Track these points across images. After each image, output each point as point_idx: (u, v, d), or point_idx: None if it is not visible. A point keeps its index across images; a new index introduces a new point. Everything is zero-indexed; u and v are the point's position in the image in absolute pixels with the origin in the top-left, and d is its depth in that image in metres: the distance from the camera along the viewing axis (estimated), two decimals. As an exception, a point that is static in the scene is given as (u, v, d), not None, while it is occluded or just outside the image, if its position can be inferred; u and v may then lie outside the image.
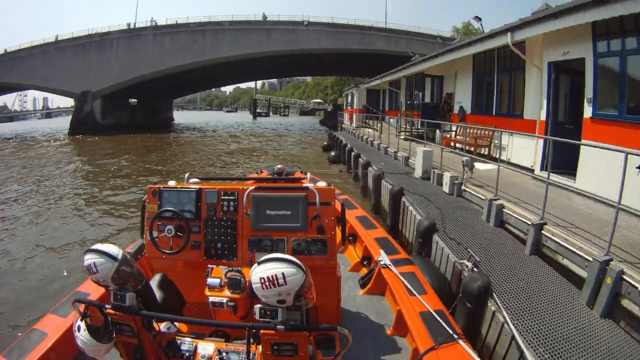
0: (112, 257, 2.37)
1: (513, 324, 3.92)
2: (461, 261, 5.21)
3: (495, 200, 6.78)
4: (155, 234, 3.46)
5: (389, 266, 4.50)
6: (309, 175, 4.18)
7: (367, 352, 3.61)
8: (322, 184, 3.55)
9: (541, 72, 9.37)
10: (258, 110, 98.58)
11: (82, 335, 2.37)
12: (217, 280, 2.83)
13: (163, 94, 55.76)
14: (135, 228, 9.87)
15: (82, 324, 2.38)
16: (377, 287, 4.64)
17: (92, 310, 2.46)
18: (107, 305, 2.48)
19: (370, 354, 3.59)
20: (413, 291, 3.95)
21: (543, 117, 9.18)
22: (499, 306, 4.24)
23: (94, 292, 3.80)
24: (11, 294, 6.66)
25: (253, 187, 3.44)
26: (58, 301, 3.95)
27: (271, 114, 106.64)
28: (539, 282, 4.83)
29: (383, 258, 4.66)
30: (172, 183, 3.73)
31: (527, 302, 4.38)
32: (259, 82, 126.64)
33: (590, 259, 4.47)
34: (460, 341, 3.21)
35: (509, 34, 9.75)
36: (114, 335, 2.51)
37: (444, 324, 3.40)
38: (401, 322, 3.77)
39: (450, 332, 3.30)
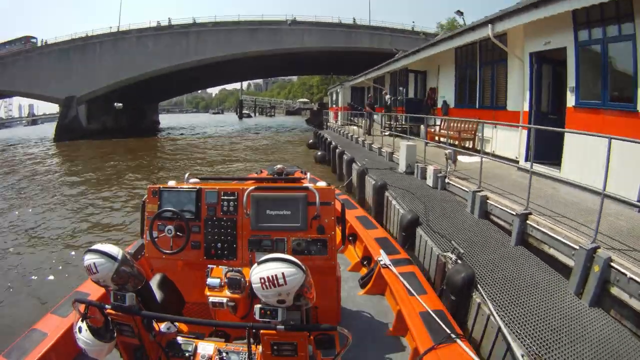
0: (112, 257, 2.38)
1: (499, 316, 3.85)
2: (445, 254, 5.14)
3: (479, 191, 6.74)
4: (155, 234, 3.47)
5: (389, 266, 4.51)
6: (308, 175, 4.24)
7: (367, 352, 3.62)
8: (322, 184, 3.59)
9: (523, 63, 9.38)
10: (244, 111, 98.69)
11: (84, 336, 2.38)
12: (217, 280, 2.85)
13: (148, 97, 55.47)
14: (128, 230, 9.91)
15: (84, 325, 2.39)
16: (377, 287, 4.66)
17: (92, 311, 2.48)
18: (107, 306, 2.49)
19: (370, 354, 3.60)
20: (413, 291, 3.95)
21: (526, 108, 9.20)
22: (484, 298, 4.15)
23: (94, 292, 3.82)
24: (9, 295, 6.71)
25: (253, 187, 3.47)
26: (57, 301, 3.98)
27: (257, 114, 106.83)
28: (525, 272, 4.76)
29: (383, 258, 4.66)
30: (172, 183, 3.78)
31: (513, 293, 4.31)
32: (245, 83, 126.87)
33: (577, 247, 4.42)
34: (460, 341, 3.21)
35: (489, 25, 9.77)
36: (115, 334, 2.51)
37: (443, 324, 3.40)
38: (401, 322, 3.78)
39: (450, 332, 3.30)
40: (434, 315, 3.50)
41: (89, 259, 2.34)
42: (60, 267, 7.71)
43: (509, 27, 9.15)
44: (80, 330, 2.38)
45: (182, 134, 46.14)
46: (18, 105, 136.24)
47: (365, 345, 3.70)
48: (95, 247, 2.40)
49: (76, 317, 2.43)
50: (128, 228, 10.32)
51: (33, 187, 16.43)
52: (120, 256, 2.41)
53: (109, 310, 2.46)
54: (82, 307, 2.44)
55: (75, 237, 9.67)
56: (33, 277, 7.31)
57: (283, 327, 2.18)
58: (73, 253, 8.43)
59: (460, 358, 3.05)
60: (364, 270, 5.13)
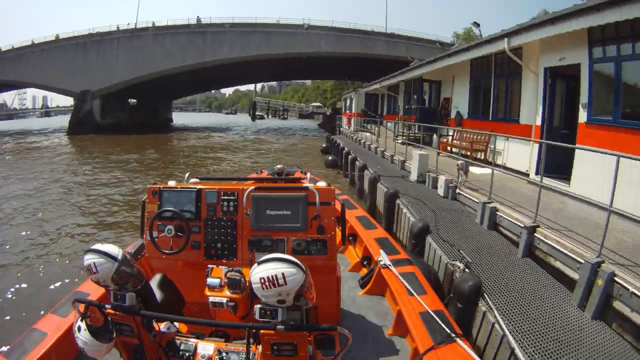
0: (112, 257, 2.39)
1: (504, 324, 3.92)
2: (453, 262, 5.22)
3: (489, 203, 6.79)
4: (155, 234, 3.47)
5: (389, 266, 4.50)
6: (309, 175, 4.20)
7: (367, 352, 3.62)
8: (322, 184, 3.57)
9: (537, 78, 9.38)
10: (257, 113, 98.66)
11: (83, 336, 2.38)
12: (217, 280, 2.86)
13: (163, 95, 55.79)
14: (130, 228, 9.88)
15: (83, 325, 2.39)
16: (377, 287, 4.65)
17: (92, 311, 2.48)
18: (107, 305, 2.50)
19: (370, 354, 3.59)
20: (413, 291, 3.95)
21: (539, 122, 9.20)
22: (490, 306, 4.24)
23: (94, 292, 3.79)
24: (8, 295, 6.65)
25: (253, 187, 3.46)
26: (57, 301, 3.95)
27: (270, 116, 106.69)
28: (531, 283, 4.83)
29: (383, 258, 4.66)
30: (172, 183, 3.75)
31: (518, 303, 4.38)
32: (259, 85, 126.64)
33: (582, 261, 4.47)
34: (460, 341, 3.22)
35: (505, 39, 9.77)
36: (115, 334, 2.52)
37: (443, 324, 3.40)
38: (401, 322, 3.77)
39: (450, 332, 3.31)
40: (434, 315, 3.51)
41: (89, 258, 2.36)
42: (59, 271, 7.58)
43: (525, 41, 9.15)
44: (79, 329, 2.39)
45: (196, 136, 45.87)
46: (32, 96, 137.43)
47: (365, 345, 3.70)
48: (95, 247, 2.41)
49: (76, 317, 2.44)
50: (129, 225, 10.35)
51: (43, 179, 16.64)
52: (120, 256, 2.43)
53: (109, 310, 2.48)
54: (82, 307, 2.44)
55: (76, 236, 9.65)
56: (31, 277, 7.26)
57: (283, 327, 2.21)
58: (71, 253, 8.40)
59: (460, 358, 3.06)
60: (364, 271, 5.13)
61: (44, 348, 3.17)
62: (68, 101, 62.43)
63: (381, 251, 4.82)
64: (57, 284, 6.92)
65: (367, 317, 4.25)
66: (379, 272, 4.56)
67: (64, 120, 52.95)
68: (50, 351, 3.18)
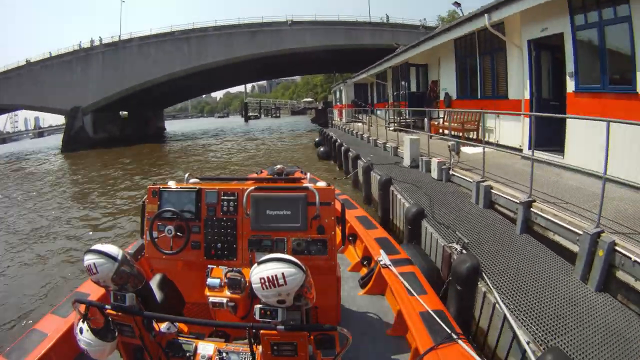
0: (112, 258, 2.38)
1: (504, 304, 3.87)
2: (450, 245, 5.16)
3: (483, 181, 6.75)
4: (155, 234, 3.47)
5: (389, 266, 4.47)
6: (308, 175, 4.21)
7: (367, 352, 3.60)
8: (322, 184, 3.56)
9: (522, 51, 9.32)
10: (249, 114, 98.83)
11: (86, 337, 2.36)
12: (217, 281, 2.88)
13: (153, 104, 55.65)
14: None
15: (85, 326, 2.38)
16: (377, 287, 4.63)
17: (92, 311, 2.47)
18: (107, 306, 2.49)
19: (370, 354, 3.58)
20: (413, 291, 3.92)
21: (527, 96, 9.14)
22: (489, 287, 4.18)
23: (94, 292, 3.81)
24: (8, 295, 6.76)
25: (253, 187, 3.46)
26: (57, 302, 4.00)
27: (262, 116, 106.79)
28: (531, 260, 4.78)
29: (383, 258, 4.63)
30: (172, 183, 3.76)
31: (518, 281, 4.33)
32: (249, 86, 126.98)
33: (581, 233, 4.41)
34: (461, 341, 3.20)
35: (486, 15, 9.70)
36: (117, 333, 2.51)
37: (443, 324, 3.38)
38: (401, 322, 3.75)
39: (450, 332, 3.28)
40: (434, 315, 3.49)
41: (89, 259, 2.35)
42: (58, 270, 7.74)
43: (506, 15, 9.08)
44: (81, 331, 2.38)
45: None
46: (24, 118, 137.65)
47: (365, 345, 3.68)
48: (95, 247, 2.41)
49: (76, 317, 2.43)
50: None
51: (38, 197, 16.70)
52: (120, 256, 2.42)
53: (109, 311, 2.47)
54: (82, 308, 2.44)
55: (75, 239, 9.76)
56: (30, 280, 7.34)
57: (283, 327, 2.20)
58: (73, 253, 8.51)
59: (461, 358, 3.04)
60: (364, 270, 5.10)
61: (44, 348, 3.18)
62: (60, 119, 62.43)
63: (381, 251, 4.80)
64: (57, 284, 7.02)
65: (367, 317, 4.24)
66: (379, 272, 4.54)
67: (57, 139, 53.00)
68: (50, 352, 3.20)
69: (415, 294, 3.87)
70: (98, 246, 2.41)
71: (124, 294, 2.45)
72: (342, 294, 4.16)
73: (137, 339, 2.53)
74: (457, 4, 25.48)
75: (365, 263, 5.26)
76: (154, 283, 3.18)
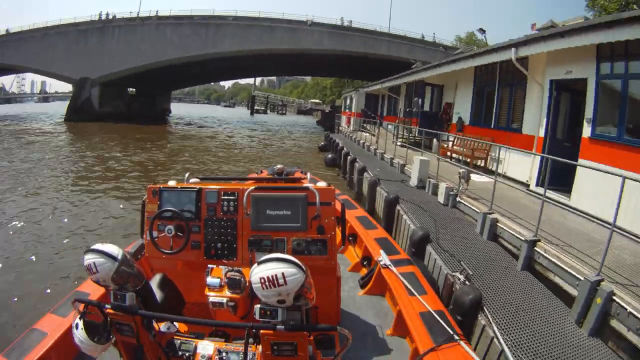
0: (112, 257, 2.38)
1: (503, 339, 3.93)
2: (453, 273, 5.21)
3: (490, 214, 6.79)
4: (155, 233, 3.47)
5: (389, 266, 4.51)
6: (309, 175, 4.21)
7: (367, 352, 3.63)
8: (322, 184, 3.57)
9: (542, 89, 9.41)
10: (256, 107, 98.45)
11: (79, 334, 2.38)
12: (217, 280, 2.86)
13: (162, 85, 55.37)
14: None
15: (80, 323, 2.39)
16: (377, 288, 4.66)
17: (92, 310, 2.47)
18: (107, 305, 2.48)
19: (370, 354, 3.60)
20: (413, 291, 3.96)
21: (542, 133, 9.22)
22: (489, 320, 4.25)
23: (94, 292, 3.80)
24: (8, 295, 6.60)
25: (253, 187, 3.46)
26: (57, 301, 3.95)
27: (269, 111, 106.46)
28: (530, 298, 4.84)
29: (383, 258, 4.67)
30: (172, 183, 3.75)
31: (517, 317, 4.39)
32: (258, 79, 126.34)
33: (582, 278, 4.49)
34: (461, 342, 3.23)
35: (513, 49, 9.76)
36: (112, 335, 2.51)
37: (444, 324, 3.42)
38: (401, 322, 3.78)
39: (451, 332, 3.32)
40: (434, 315, 3.52)
41: (89, 258, 2.34)
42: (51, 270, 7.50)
43: (532, 52, 9.17)
44: (77, 327, 2.40)
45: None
46: (31, 81, 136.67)
47: (365, 345, 3.70)
48: (95, 246, 2.40)
49: (76, 316, 2.44)
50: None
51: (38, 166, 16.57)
52: (120, 256, 2.42)
53: (108, 310, 2.46)
54: (82, 307, 2.43)
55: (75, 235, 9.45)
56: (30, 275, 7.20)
57: (283, 327, 2.20)
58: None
59: (461, 359, 3.07)
60: (364, 271, 5.13)
61: (44, 348, 3.17)
62: (67, 87, 62.04)
63: (381, 251, 4.84)
64: (57, 284, 6.86)
65: (367, 317, 4.26)
66: (379, 272, 4.58)
67: (61, 106, 52.53)
68: (50, 351, 3.19)
69: (415, 294, 3.93)
70: (98, 245, 2.41)
71: (124, 294, 2.45)
72: (342, 294, 4.15)
73: (137, 339, 2.53)
74: (482, 31, 25.65)
75: (365, 263, 5.30)
76: (154, 283, 3.18)
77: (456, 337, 3.27)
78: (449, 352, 3.13)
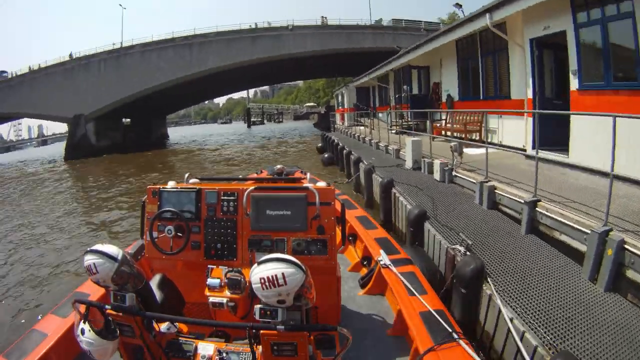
0: (112, 258, 2.39)
1: (511, 307, 3.78)
2: (453, 246, 5.05)
3: (487, 182, 6.66)
4: (155, 234, 3.48)
5: (389, 266, 4.47)
6: (308, 175, 4.24)
7: (367, 352, 3.59)
8: (322, 184, 3.56)
9: (524, 50, 9.25)
10: (252, 119, 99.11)
11: (88, 337, 2.36)
12: (217, 281, 2.93)
13: (155, 110, 55.74)
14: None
15: (86, 326, 2.38)
16: (377, 287, 4.62)
17: (92, 312, 2.47)
18: (107, 306, 2.50)
19: (370, 354, 3.56)
20: (413, 291, 3.91)
21: (530, 94, 9.08)
22: (494, 289, 4.06)
23: (94, 292, 3.82)
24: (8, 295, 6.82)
25: (253, 187, 3.48)
26: (58, 301, 3.99)
27: (265, 121, 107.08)
28: (537, 260, 4.67)
29: (383, 258, 4.62)
30: (172, 183, 3.76)
31: (525, 282, 4.22)
32: (251, 91, 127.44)
33: (589, 232, 4.31)
34: (461, 341, 3.17)
35: (487, 14, 9.69)
36: (118, 332, 2.52)
37: (444, 323, 3.36)
38: (401, 322, 3.73)
39: (451, 331, 3.26)
40: (434, 314, 3.47)
41: (89, 259, 2.35)
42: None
43: (507, 14, 9.05)
44: (83, 332, 2.36)
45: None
46: (27, 126, 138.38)
47: (365, 345, 3.67)
48: (95, 247, 2.40)
49: (77, 318, 2.42)
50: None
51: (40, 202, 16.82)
52: (120, 256, 2.42)
53: (109, 311, 2.47)
54: (82, 308, 2.43)
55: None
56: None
57: (283, 327, 2.18)
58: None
59: (461, 358, 3.01)
60: (364, 270, 5.10)
61: (44, 349, 3.19)
62: (63, 127, 62.55)
63: (381, 251, 4.79)
64: (57, 284, 7.06)
65: (367, 317, 4.23)
66: (379, 272, 4.53)
67: (61, 147, 53.27)
68: (50, 352, 3.20)
69: (415, 293, 3.86)
70: (98, 246, 2.42)
71: (124, 294, 2.46)
72: (342, 294, 4.15)
73: (137, 339, 2.53)
74: (459, 5, 25.42)
75: (365, 263, 5.26)
76: (154, 283, 3.19)
77: (456, 337, 3.21)
78: (449, 352, 3.09)
